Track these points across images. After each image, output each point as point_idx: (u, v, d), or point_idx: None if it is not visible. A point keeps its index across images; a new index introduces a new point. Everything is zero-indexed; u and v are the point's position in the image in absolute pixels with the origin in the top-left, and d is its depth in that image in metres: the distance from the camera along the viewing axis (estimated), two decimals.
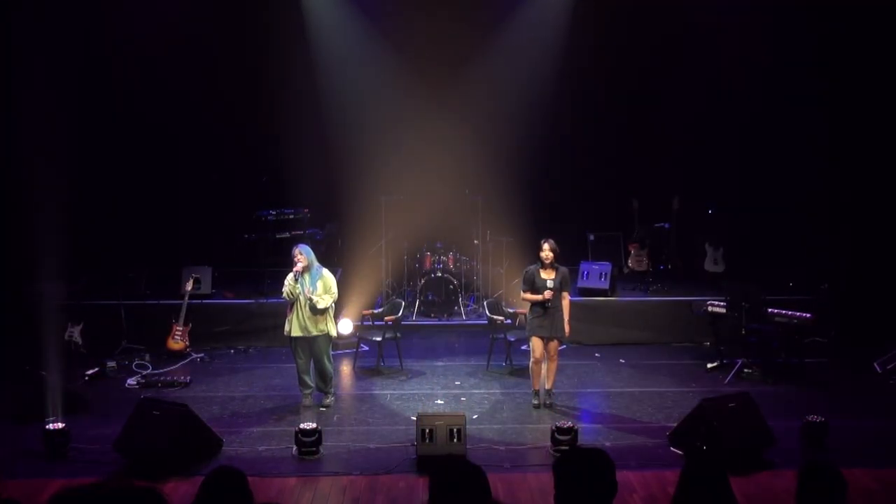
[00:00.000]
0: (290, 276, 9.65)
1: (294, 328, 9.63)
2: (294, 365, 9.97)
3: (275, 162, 14.20)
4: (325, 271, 9.83)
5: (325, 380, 9.89)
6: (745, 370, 10.92)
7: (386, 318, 11.47)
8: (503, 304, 12.49)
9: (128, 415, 8.35)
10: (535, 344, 9.66)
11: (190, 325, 12.16)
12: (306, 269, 9.60)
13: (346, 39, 14.67)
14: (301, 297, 9.55)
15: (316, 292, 9.56)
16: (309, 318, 9.58)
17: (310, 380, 9.86)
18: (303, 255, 9.64)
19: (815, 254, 13.50)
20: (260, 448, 8.58)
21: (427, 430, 8.17)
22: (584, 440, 8.49)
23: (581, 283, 13.07)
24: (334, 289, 9.77)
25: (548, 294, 9.51)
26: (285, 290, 9.62)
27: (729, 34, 13.72)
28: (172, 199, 14.33)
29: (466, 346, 12.55)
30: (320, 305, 9.58)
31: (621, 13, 14.18)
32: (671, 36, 14.25)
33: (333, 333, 9.96)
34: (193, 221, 14.34)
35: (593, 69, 14.40)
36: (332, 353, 10.07)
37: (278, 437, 8.87)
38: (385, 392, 10.53)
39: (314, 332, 9.64)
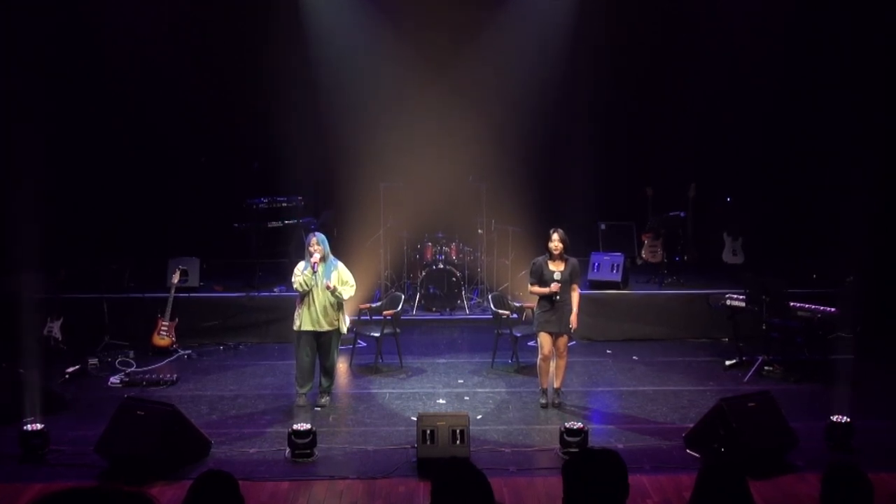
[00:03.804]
0: (301, 265, 9.68)
1: (304, 322, 9.64)
2: (289, 362, 9.97)
3: (267, 146, 14.19)
4: (340, 263, 9.88)
5: (331, 377, 9.96)
6: (766, 368, 10.92)
7: (384, 312, 11.48)
8: (509, 297, 12.48)
9: (110, 415, 8.34)
10: (544, 340, 9.66)
11: (176, 319, 12.17)
12: (322, 259, 9.62)
13: (343, 16, 14.64)
14: (314, 290, 9.57)
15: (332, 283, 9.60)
16: (322, 311, 9.61)
17: (309, 378, 9.87)
18: (319, 245, 9.65)
19: (840, 244, 13.47)
20: (251, 450, 8.58)
21: (428, 432, 8.17)
22: (594, 442, 8.48)
23: (592, 276, 13.08)
24: (351, 280, 9.83)
25: (555, 287, 9.50)
26: (298, 280, 9.61)
27: (748, 14, 13.73)
28: (158, 186, 14.33)
29: (470, 343, 12.56)
30: (345, 296, 9.67)
31: None
32: (687, 15, 14.24)
33: (344, 329, 9.98)
34: (180, 210, 14.35)
35: (606, 48, 14.37)
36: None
37: (270, 438, 8.88)
38: (384, 391, 10.54)
39: (326, 327, 9.67)
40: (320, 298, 9.59)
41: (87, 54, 13.73)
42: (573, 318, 9.66)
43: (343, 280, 9.73)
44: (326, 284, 9.53)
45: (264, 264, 13.51)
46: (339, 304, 9.73)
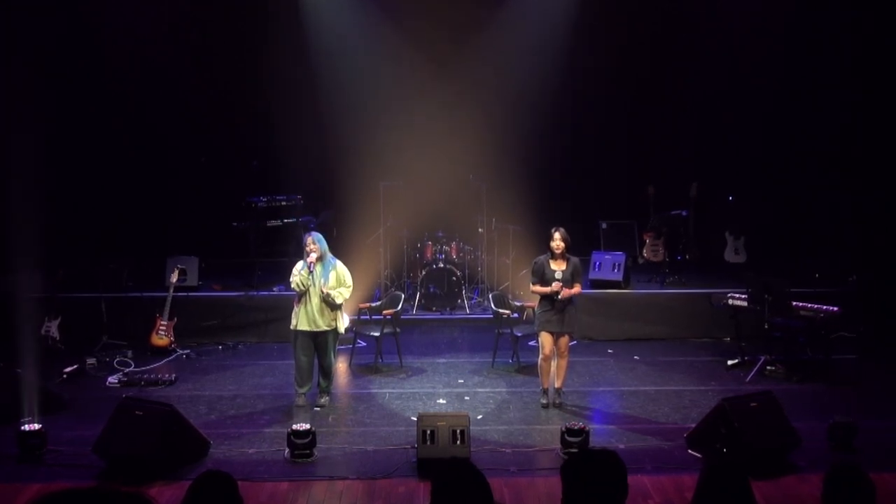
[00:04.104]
0: (299, 265, 9.69)
1: (301, 321, 9.64)
2: (288, 361, 9.97)
3: (266, 145, 14.19)
4: (339, 262, 9.87)
5: (329, 376, 9.94)
6: (768, 367, 10.91)
7: (384, 311, 11.47)
8: (509, 296, 12.48)
9: (108, 415, 8.33)
10: (545, 339, 9.66)
11: (175, 319, 12.17)
12: (319, 259, 9.62)
13: (343, 16, 14.64)
14: (311, 289, 9.57)
15: (328, 285, 9.58)
16: (318, 311, 9.60)
17: (308, 377, 9.87)
18: (316, 244, 9.64)
19: (843, 243, 13.48)
20: (250, 451, 8.57)
21: (428, 432, 8.16)
22: (595, 442, 8.48)
23: (593, 275, 13.07)
24: (349, 280, 9.81)
25: (557, 286, 9.50)
26: (295, 280, 9.62)
27: (748, 14, 13.74)
28: (157, 184, 14.33)
29: (470, 342, 12.56)
30: (339, 300, 9.66)
31: None
32: (687, 14, 14.25)
33: (342, 329, 9.98)
34: (179, 209, 14.35)
35: (606, 47, 14.35)
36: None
37: (270, 438, 8.88)
38: (383, 391, 10.54)
39: (323, 327, 9.67)
40: (317, 298, 9.59)
41: (87, 54, 13.72)
42: (566, 291, 9.56)
43: (341, 279, 9.73)
44: (320, 289, 9.53)
45: (263, 263, 13.50)
46: (335, 304, 9.73)
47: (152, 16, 13.72)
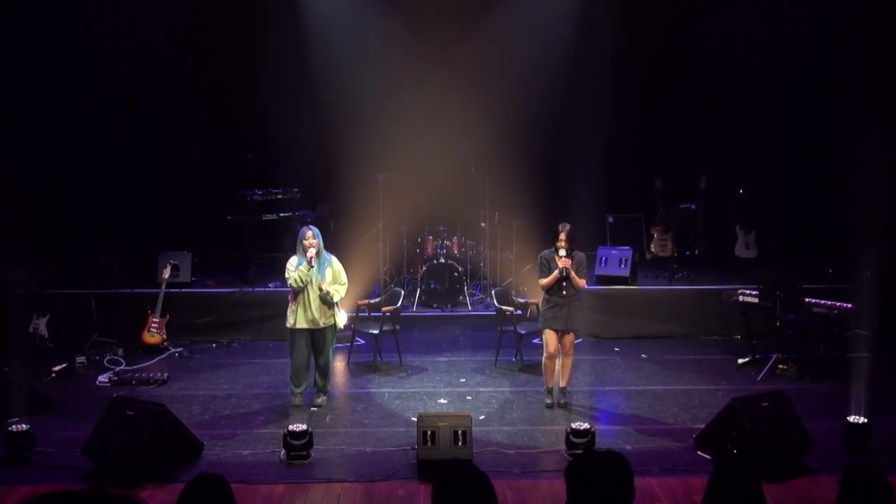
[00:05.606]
0: (294, 260, 9.65)
1: (300, 319, 9.63)
2: (284, 360, 9.97)
3: (261, 137, 14.16)
4: (334, 258, 9.86)
5: (326, 375, 9.93)
6: (780, 366, 10.90)
7: (383, 308, 11.47)
8: (513, 293, 12.48)
9: (99, 415, 8.34)
10: (549, 337, 9.65)
11: (167, 316, 12.16)
12: (317, 254, 9.61)
13: (341, 4, 14.61)
14: (309, 286, 9.56)
15: (325, 281, 9.58)
16: (318, 308, 9.60)
17: (305, 377, 9.86)
18: (316, 238, 9.64)
19: (858, 238, 13.44)
20: (244, 452, 8.58)
21: (429, 433, 8.15)
22: (601, 443, 8.49)
23: (599, 270, 13.06)
24: (344, 277, 9.82)
25: (563, 263, 9.45)
26: (294, 276, 9.56)
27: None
28: (149, 177, 14.30)
29: (472, 340, 12.56)
30: (336, 298, 9.67)
31: None
32: (696, 2, 14.25)
33: (341, 325, 10.00)
34: (172, 202, 14.33)
35: (613, 36, 14.32)
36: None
37: (265, 439, 8.88)
38: (383, 390, 10.54)
39: (322, 324, 9.67)
40: (316, 295, 9.57)
41: (69, 35, 13.68)
42: (566, 261, 9.57)
43: (336, 275, 9.72)
44: (319, 286, 9.52)
45: (259, 259, 13.48)
46: (332, 302, 9.72)
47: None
